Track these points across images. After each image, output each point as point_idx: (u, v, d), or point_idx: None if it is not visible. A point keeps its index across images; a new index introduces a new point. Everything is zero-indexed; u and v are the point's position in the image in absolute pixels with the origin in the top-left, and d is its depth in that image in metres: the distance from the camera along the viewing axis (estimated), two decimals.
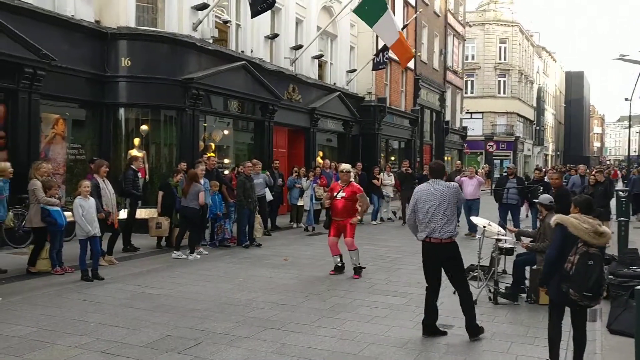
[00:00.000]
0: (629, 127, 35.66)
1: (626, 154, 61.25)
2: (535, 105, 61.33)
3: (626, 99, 44.78)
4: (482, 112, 49.88)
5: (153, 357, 5.52)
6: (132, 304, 7.53)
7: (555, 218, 5.52)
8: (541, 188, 12.46)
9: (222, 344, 5.94)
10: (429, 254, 6.39)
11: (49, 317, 6.83)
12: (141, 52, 14.25)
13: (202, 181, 11.63)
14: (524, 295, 8.14)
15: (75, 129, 14.10)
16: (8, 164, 9.07)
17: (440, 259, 6.36)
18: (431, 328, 6.41)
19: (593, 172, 15.82)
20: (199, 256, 11.08)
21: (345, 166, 10.45)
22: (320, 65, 22.59)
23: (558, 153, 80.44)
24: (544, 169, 18.92)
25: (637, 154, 70.31)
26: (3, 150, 11.66)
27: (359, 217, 10.02)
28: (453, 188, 6.42)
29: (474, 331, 6.30)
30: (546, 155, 71.17)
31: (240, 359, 5.52)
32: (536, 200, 8.48)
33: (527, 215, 17.97)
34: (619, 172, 47.54)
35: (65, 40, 12.85)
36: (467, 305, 6.35)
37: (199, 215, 11.31)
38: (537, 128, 62.72)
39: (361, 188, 10.24)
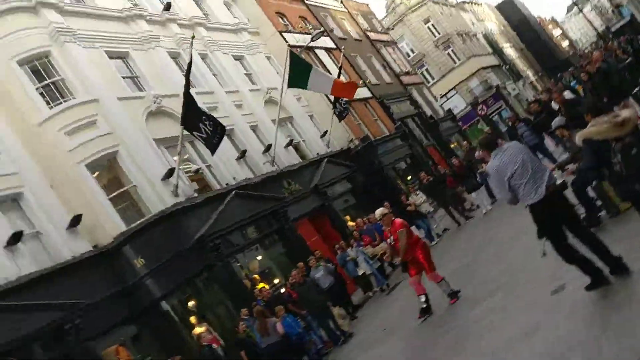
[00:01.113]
0: (580, 11, 35.84)
1: (595, 36, 61.12)
2: (491, 50, 61.71)
3: None
4: (454, 87, 50.12)
5: None
6: None
7: (578, 136, 5.54)
8: (547, 116, 12.30)
9: None
10: (548, 209, 5.86)
11: None
12: (146, 245, 14.38)
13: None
14: (603, 213, 7.88)
15: (136, 345, 14.11)
16: None
17: (557, 206, 5.92)
18: (614, 263, 5.75)
19: (584, 68, 15.57)
20: None
21: (379, 212, 10.35)
22: (296, 149, 22.87)
23: (540, 74, 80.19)
24: (537, 99, 18.72)
25: (604, 26, 70.04)
26: None
27: (399, 258, 9.70)
28: (517, 144, 6.34)
29: (618, 264, 5.75)
30: (531, 82, 70.96)
31: None
32: (552, 130, 8.36)
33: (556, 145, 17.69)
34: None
35: (79, 279, 12.99)
36: (597, 244, 5.87)
37: (289, 343, 11.08)
38: (507, 67, 62.84)
39: (400, 222, 9.98)
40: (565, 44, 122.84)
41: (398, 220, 9.96)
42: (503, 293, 7.84)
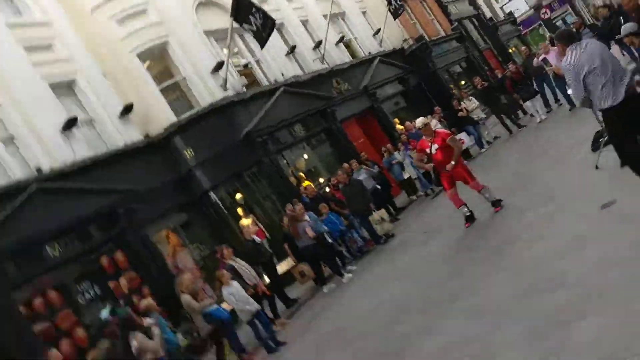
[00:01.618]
0: None
1: None
2: None
3: None
4: None
5: None
6: (330, 347, 7.65)
7: None
8: (621, 20, 11.47)
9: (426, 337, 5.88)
10: (627, 113, 5.52)
11: None
12: (196, 137, 14.63)
13: (306, 216, 11.75)
14: None
15: (187, 231, 14.73)
16: (149, 300, 9.58)
17: (634, 109, 5.58)
18: None
19: None
20: (350, 274, 11.13)
21: (420, 121, 10.15)
22: (347, 46, 22.31)
23: None
24: (606, 4, 17.45)
25: None
26: (144, 286, 12.35)
27: (453, 162, 9.45)
28: (597, 42, 5.95)
29: None
30: None
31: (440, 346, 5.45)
32: (621, 37, 7.81)
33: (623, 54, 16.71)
34: None
35: (134, 166, 13.40)
36: None
37: (321, 246, 11.35)
38: None
39: (447, 132, 9.83)
40: None
41: (443, 131, 9.71)
42: (552, 204, 7.68)
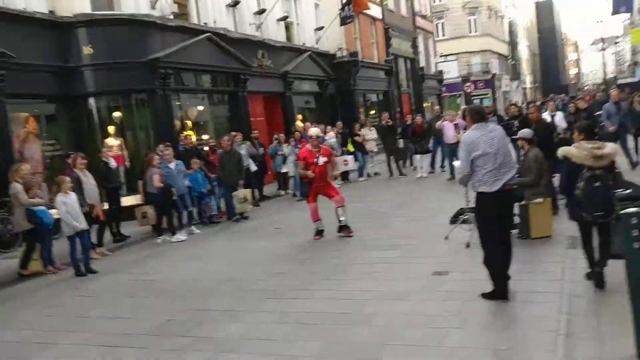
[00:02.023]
0: (603, 50, 35.56)
1: (602, 77, 61.47)
2: (508, 39, 61.02)
3: (598, 22, 44.55)
4: (456, 54, 49.47)
5: (157, 343, 5.53)
6: (129, 293, 7.53)
7: (560, 151, 5.82)
8: (517, 123, 12.43)
9: (223, 321, 5.95)
10: (497, 205, 5.67)
11: (48, 317, 6.81)
12: (102, 38, 13.88)
13: (173, 164, 11.54)
14: (516, 231, 8.19)
15: (48, 124, 13.86)
16: None
17: (505, 207, 5.83)
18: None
19: (576, 101, 16.01)
20: (183, 237, 10.94)
21: (314, 131, 10.32)
22: (287, 27, 22.20)
23: (536, 85, 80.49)
24: (520, 104, 18.81)
25: (614, 76, 70.54)
26: None
27: (337, 181, 9.82)
28: (503, 131, 5.95)
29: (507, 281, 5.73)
30: (524, 88, 71.21)
31: (242, 333, 5.54)
32: (516, 137, 8.47)
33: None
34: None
35: (21, 35, 12.42)
36: (509, 258, 5.82)
37: (164, 198, 11.03)
38: (513, 62, 62.55)
39: (331, 150, 10.13)
40: (573, 71, 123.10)
41: (328, 147, 9.95)
42: (395, 252, 8.15)
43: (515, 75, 64.03)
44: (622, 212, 3.96)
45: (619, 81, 52.08)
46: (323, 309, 6.01)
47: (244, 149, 14.37)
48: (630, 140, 13.52)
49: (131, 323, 6.22)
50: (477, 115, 5.82)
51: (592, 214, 5.50)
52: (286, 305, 6.27)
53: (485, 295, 5.75)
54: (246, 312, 6.16)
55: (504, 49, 58.83)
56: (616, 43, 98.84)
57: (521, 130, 8.54)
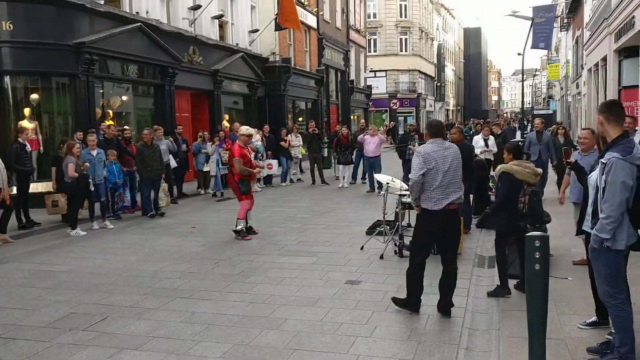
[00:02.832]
0: (523, 81, 37.59)
1: (519, 109, 64.63)
2: (435, 62, 63.08)
3: (519, 54, 46.85)
4: (385, 70, 50.71)
5: (55, 336, 5.30)
6: (30, 283, 7.17)
7: (499, 168, 6.41)
8: (412, 144, 12.95)
9: (129, 317, 5.79)
10: (440, 223, 5.60)
11: None
12: (24, 15, 13.27)
13: (95, 152, 11.17)
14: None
15: None
16: None
17: (449, 226, 5.69)
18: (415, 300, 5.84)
19: (490, 125, 16.74)
20: (82, 232, 10.47)
21: (246, 129, 10.52)
22: (221, 26, 21.99)
23: (459, 108, 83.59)
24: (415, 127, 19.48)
25: (530, 106, 74.25)
26: None
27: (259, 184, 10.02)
28: (458, 152, 5.81)
29: (449, 307, 5.79)
30: (447, 110, 73.77)
31: (148, 331, 5.40)
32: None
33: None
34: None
35: None
36: (453, 280, 5.85)
37: (75, 188, 10.56)
38: (438, 84, 64.70)
39: (239, 150, 10.09)
40: (494, 97, 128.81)
41: (237, 148, 9.92)
42: (309, 259, 8.19)
43: (440, 97, 66.26)
44: (527, 235, 4.16)
45: (535, 111, 54.89)
46: (233, 311, 5.96)
47: (164, 144, 14.06)
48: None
49: (29, 314, 5.93)
50: (435, 130, 5.75)
51: (534, 224, 6.19)
52: (195, 305, 6.17)
53: (397, 301, 5.89)
54: (153, 310, 6.02)
55: (431, 70, 60.77)
56: (534, 76, 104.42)
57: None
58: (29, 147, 11.42)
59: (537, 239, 4.03)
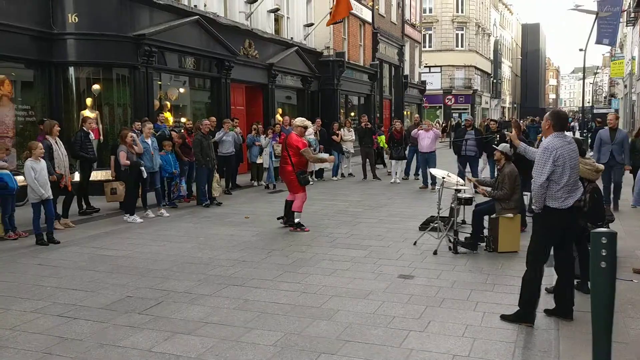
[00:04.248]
0: (583, 78, 36.28)
1: (580, 105, 62.59)
2: (492, 58, 61.78)
3: (580, 50, 45.48)
4: (440, 66, 50.01)
5: (112, 318, 5.43)
6: (89, 267, 7.38)
7: None
8: (498, 137, 12.57)
9: (183, 303, 5.88)
10: (566, 222, 5.21)
11: (2, 282, 6.64)
12: (89, 8, 13.67)
13: (149, 140, 11.43)
14: (484, 244, 8.27)
15: (24, 90, 13.53)
16: None
17: (572, 224, 5.34)
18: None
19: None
20: (138, 219, 10.69)
21: (304, 121, 10.59)
22: (276, 20, 22.11)
23: (515, 105, 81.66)
24: (500, 120, 18.99)
25: (590, 104, 71.91)
26: None
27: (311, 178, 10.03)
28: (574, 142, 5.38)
29: (571, 307, 5.35)
30: (503, 107, 72.20)
31: (202, 317, 5.47)
32: (496, 147, 8.51)
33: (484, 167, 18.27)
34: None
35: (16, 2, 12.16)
36: (570, 282, 5.46)
37: (128, 176, 10.84)
38: (494, 81, 63.37)
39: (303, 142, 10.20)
40: (551, 96, 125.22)
41: (298, 139, 10.00)
42: (363, 252, 8.14)
43: (496, 94, 64.88)
44: (592, 231, 3.99)
45: (595, 110, 53.05)
46: (285, 300, 5.96)
47: (230, 136, 14.38)
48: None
49: (88, 296, 6.10)
50: (560, 122, 5.20)
51: (596, 223, 6.08)
52: (248, 293, 6.21)
53: (507, 317, 5.36)
54: (207, 296, 6.09)
55: (487, 67, 59.56)
56: (595, 73, 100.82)
57: (502, 144, 8.60)
58: (92, 136, 11.78)
59: (604, 235, 3.85)
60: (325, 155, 9.95)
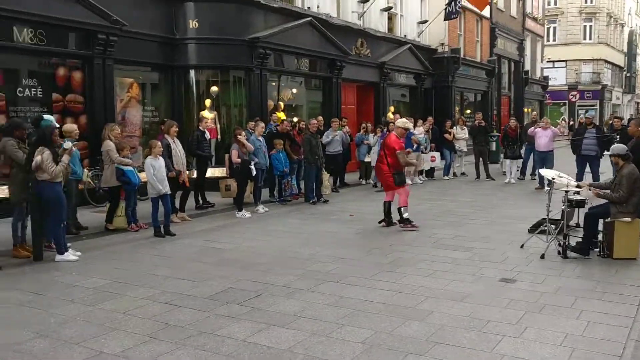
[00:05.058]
0: None
1: None
2: (625, 50, 57.41)
3: None
4: (565, 61, 47.28)
5: (214, 307, 5.73)
6: (199, 258, 7.83)
7: None
8: (618, 137, 11.70)
9: (280, 296, 6.08)
10: None
11: (122, 270, 7.22)
12: (208, 14, 14.41)
13: (261, 139, 11.95)
14: (597, 249, 7.78)
15: (149, 92, 14.59)
16: (74, 126, 9.40)
17: None
18: None
19: None
20: (247, 214, 11.10)
21: (403, 121, 10.66)
22: (389, 18, 22.04)
23: None
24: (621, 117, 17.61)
25: None
26: (82, 114, 12.25)
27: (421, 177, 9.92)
28: None
29: None
30: (638, 103, 66.85)
31: (297, 310, 5.63)
32: (608, 152, 7.97)
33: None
34: None
35: (134, 5, 13.16)
36: None
37: (239, 173, 11.29)
38: (628, 75, 58.84)
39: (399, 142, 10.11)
40: None
41: (397, 141, 9.96)
42: (467, 253, 7.97)
43: (630, 88, 60.21)
44: None
45: None
46: (380, 299, 5.98)
47: (338, 135, 14.62)
48: None
49: (195, 285, 6.48)
50: None
51: None
52: (344, 290, 6.30)
53: None
54: (304, 291, 6.25)
55: (620, 60, 55.43)
56: None
57: (613, 146, 8.03)
58: (208, 135, 12.45)
59: None
60: (414, 160, 9.95)
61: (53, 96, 11.69)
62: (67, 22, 11.43)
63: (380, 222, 10.20)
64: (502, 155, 18.43)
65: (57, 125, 8.42)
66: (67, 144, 7.74)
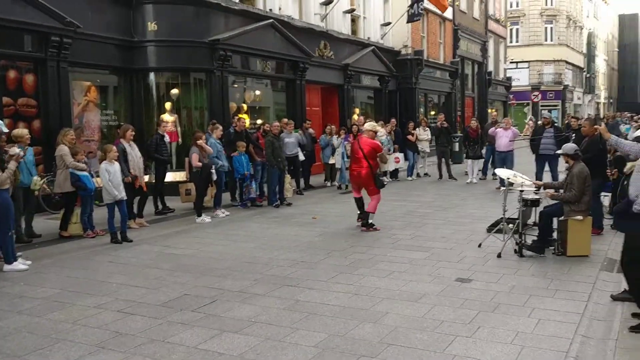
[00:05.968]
0: None
1: None
2: (585, 51, 58.73)
3: None
4: (528, 62, 48.14)
5: (167, 314, 5.63)
6: (155, 265, 7.69)
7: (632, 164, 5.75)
8: (573, 136, 11.91)
9: (235, 302, 6.00)
10: None
11: (74, 279, 7.04)
12: (167, 16, 14.25)
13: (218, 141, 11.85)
14: (552, 247, 7.89)
15: (108, 95, 14.33)
16: (25, 131, 9.12)
17: None
18: None
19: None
20: (207, 219, 10.95)
21: (371, 124, 10.67)
22: (352, 20, 22.11)
23: (611, 101, 77.22)
24: (581, 117, 18.01)
25: None
26: (36, 118, 11.95)
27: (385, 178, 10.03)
28: None
29: None
30: (598, 103, 68.44)
31: (251, 316, 5.56)
32: (559, 151, 8.12)
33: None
34: None
35: (89, 7, 12.91)
36: None
37: (199, 176, 11.14)
38: (588, 75, 60.20)
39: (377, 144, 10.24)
40: None
41: (374, 142, 10.05)
42: (425, 253, 8.00)
43: (590, 89, 61.62)
44: None
45: None
46: (335, 302, 5.95)
47: (293, 137, 14.51)
48: None
49: (149, 293, 6.36)
50: None
51: None
52: (300, 293, 6.25)
53: (635, 329, 5.06)
54: (260, 296, 6.18)
55: (579, 61, 56.69)
56: None
57: (563, 146, 8.17)
58: (167, 138, 12.29)
59: None
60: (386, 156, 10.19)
61: (3, 100, 11.36)
62: (16, 24, 11.16)
63: (357, 220, 10.18)
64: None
65: (6, 130, 8.16)
66: (14, 150, 7.52)
